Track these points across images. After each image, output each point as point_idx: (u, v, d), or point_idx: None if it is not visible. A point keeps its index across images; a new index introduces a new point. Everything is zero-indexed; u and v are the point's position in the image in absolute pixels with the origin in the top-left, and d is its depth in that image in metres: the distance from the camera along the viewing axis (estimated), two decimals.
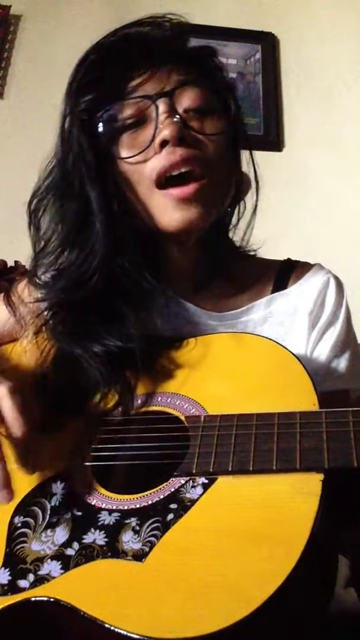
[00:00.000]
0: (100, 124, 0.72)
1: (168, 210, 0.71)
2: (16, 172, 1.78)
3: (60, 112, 0.74)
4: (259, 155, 0.84)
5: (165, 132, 0.69)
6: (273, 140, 1.98)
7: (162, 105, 0.70)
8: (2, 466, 0.59)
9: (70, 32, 1.97)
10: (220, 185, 0.75)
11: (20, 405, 0.62)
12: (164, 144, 0.70)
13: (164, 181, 0.71)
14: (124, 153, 0.72)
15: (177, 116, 0.70)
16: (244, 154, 0.82)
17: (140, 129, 0.72)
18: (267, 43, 2.10)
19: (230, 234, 0.85)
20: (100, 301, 0.73)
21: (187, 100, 0.72)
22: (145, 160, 0.71)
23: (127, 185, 0.73)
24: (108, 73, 0.72)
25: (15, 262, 1.49)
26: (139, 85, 0.71)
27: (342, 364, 0.78)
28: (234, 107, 0.76)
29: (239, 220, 0.83)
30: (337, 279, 0.84)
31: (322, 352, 0.78)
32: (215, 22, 1.98)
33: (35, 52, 1.98)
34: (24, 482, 0.63)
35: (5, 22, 1.98)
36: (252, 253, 0.87)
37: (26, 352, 0.76)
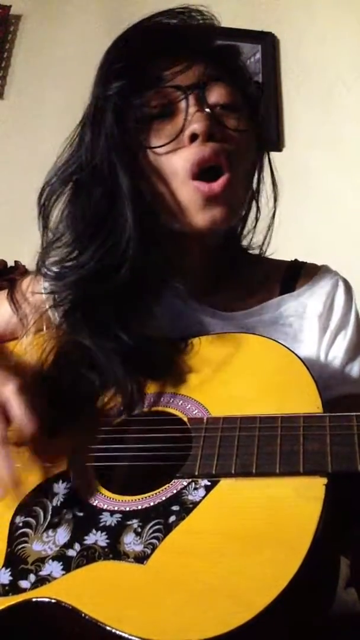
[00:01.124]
0: (131, 111, 0.71)
1: (197, 208, 0.71)
2: (16, 172, 1.78)
3: (90, 96, 0.73)
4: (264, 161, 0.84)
5: (196, 126, 0.69)
6: (273, 140, 1.97)
7: (192, 98, 0.70)
8: (10, 464, 0.59)
9: (70, 32, 1.96)
10: (243, 184, 0.75)
11: (30, 404, 0.62)
12: (194, 137, 0.70)
13: (198, 173, 0.70)
14: (153, 142, 0.71)
15: (208, 110, 0.70)
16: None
17: (170, 119, 0.71)
18: (267, 43, 2.10)
19: (247, 238, 0.85)
20: (118, 296, 0.72)
21: (216, 95, 0.72)
22: (174, 151, 0.71)
23: (157, 175, 0.72)
24: (140, 60, 0.71)
25: (15, 262, 1.49)
26: (171, 76, 0.71)
27: (355, 368, 0.78)
28: (261, 107, 0.77)
29: (255, 224, 0.83)
30: (345, 281, 0.84)
31: (336, 357, 0.78)
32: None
33: (35, 52, 1.98)
34: (26, 482, 0.63)
35: (5, 22, 1.97)
36: (263, 252, 0.87)
37: (28, 350, 0.76)
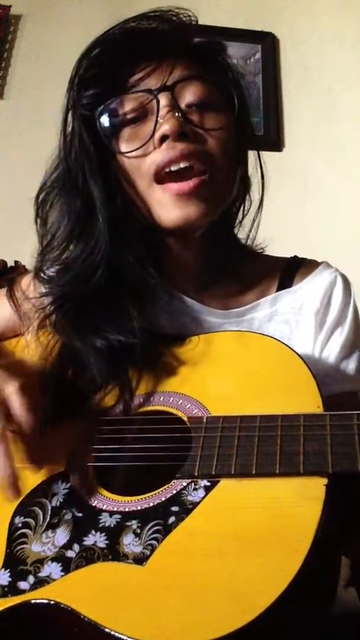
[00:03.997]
0: (102, 119, 0.72)
1: (166, 206, 0.71)
2: (16, 172, 1.78)
3: (62, 107, 0.73)
4: (254, 155, 0.83)
5: (166, 127, 0.69)
6: (273, 140, 1.97)
7: (163, 100, 0.69)
8: (11, 464, 0.59)
9: (70, 32, 1.96)
10: (222, 182, 0.74)
11: (30, 403, 0.62)
12: (164, 138, 0.69)
13: (163, 176, 0.70)
14: (123, 147, 0.71)
15: (178, 111, 0.69)
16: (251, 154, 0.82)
17: (141, 123, 0.71)
18: (267, 43, 2.10)
19: (236, 232, 0.84)
20: (104, 296, 0.72)
21: (189, 94, 0.71)
22: (145, 154, 0.71)
23: (127, 179, 0.73)
24: (110, 67, 0.71)
25: (15, 262, 1.49)
26: (140, 79, 0.71)
27: (351, 365, 0.78)
28: (239, 103, 0.75)
29: (243, 217, 0.82)
30: (344, 277, 0.83)
31: (331, 353, 0.78)
32: (215, 22, 1.97)
33: (35, 52, 1.98)
34: (25, 482, 0.63)
35: (5, 22, 1.97)
36: (259, 251, 0.86)
37: (29, 348, 0.76)
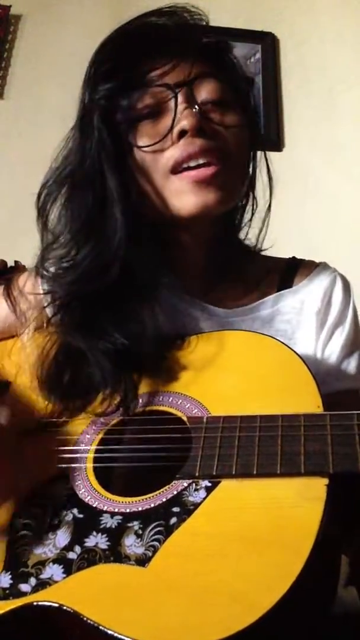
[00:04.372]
0: (119, 112, 0.72)
1: (185, 194, 0.71)
2: (16, 172, 1.78)
3: (79, 99, 0.74)
4: (258, 155, 0.83)
5: (184, 122, 0.69)
6: (273, 140, 1.97)
7: (181, 96, 0.70)
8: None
9: (70, 32, 1.96)
10: (236, 175, 0.74)
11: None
12: (182, 134, 0.70)
13: (180, 169, 0.70)
14: (141, 142, 0.71)
15: (196, 107, 0.70)
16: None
17: (159, 118, 0.71)
18: (267, 43, 2.10)
19: (244, 232, 0.84)
20: (112, 296, 0.72)
21: (205, 91, 0.72)
22: (163, 149, 0.71)
23: (143, 174, 0.72)
24: (127, 61, 0.71)
25: (15, 262, 1.48)
26: (159, 75, 0.71)
27: (352, 363, 0.78)
28: (251, 101, 0.76)
29: (251, 218, 0.82)
30: (343, 277, 0.84)
31: (333, 353, 0.78)
32: (215, 22, 1.96)
33: (35, 52, 1.98)
34: (25, 483, 0.63)
35: (5, 22, 1.97)
36: (260, 251, 0.86)
37: (25, 349, 0.76)
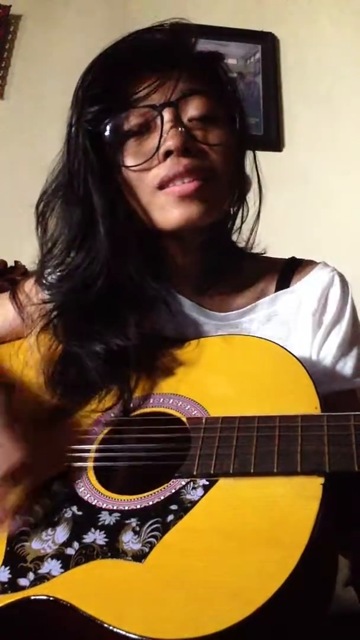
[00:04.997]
0: (106, 133, 0.73)
1: (168, 208, 0.72)
2: (16, 172, 1.78)
3: (67, 120, 0.74)
4: (258, 155, 0.84)
5: (170, 143, 0.70)
6: (273, 140, 1.97)
7: (167, 115, 0.70)
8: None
9: (70, 32, 1.97)
10: (222, 187, 0.75)
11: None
12: (168, 154, 0.70)
13: (166, 186, 0.71)
14: (128, 161, 0.72)
15: (182, 127, 0.70)
16: (247, 155, 0.82)
17: (145, 137, 0.72)
18: (267, 43, 2.10)
19: (235, 236, 0.85)
20: (104, 305, 0.73)
21: (192, 109, 0.72)
22: (149, 168, 0.72)
23: (130, 192, 0.74)
24: (114, 82, 0.72)
25: (16, 262, 1.49)
26: (145, 95, 0.71)
27: (349, 363, 0.78)
28: (240, 114, 0.76)
29: (242, 223, 0.83)
30: (341, 276, 0.84)
31: (329, 352, 0.78)
32: (215, 22, 1.97)
33: (35, 52, 1.98)
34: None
35: (5, 22, 1.98)
36: (257, 252, 0.87)
37: (32, 350, 0.77)
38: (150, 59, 0.72)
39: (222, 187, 0.75)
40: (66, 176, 0.74)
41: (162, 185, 0.71)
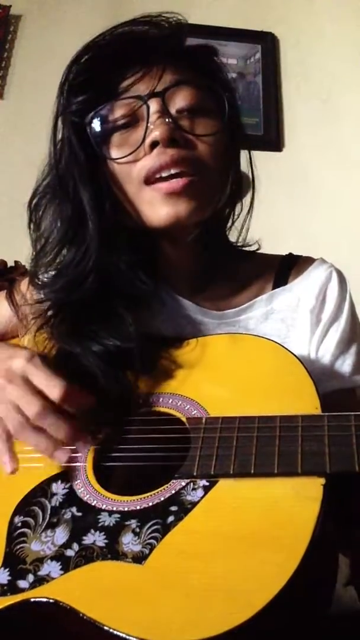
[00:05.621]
0: (92, 125, 0.72)
1: (156, 205, 0.71)
2: (16, 172, 1.78)
3: (52, 113, 0.74)
4: (258, 155, 0.83)
5: (156, 133, 0.69)
6: (273, 140, 1.97)
7: (153, 106, 0.69)
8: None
9: (70, 32, 1.96)
10: (213, 184, 0.74)
11: (48, 369, 0.63)
12: (154, 144, 0.69)
13: (153, 180, 0.70)
14: (114, 154, 0.72)
15: (168, 117, 0.69)
16: (243, 154, 0.82)
17: (132, 129, 0.71)
18: (267, 43, 2.09)
19: (231, 234, 0.84)
20: (98, 301, 0.73)
21: (180, 100, 0.71)
22: (136, 160, 0.71)
23: (117, 185, 0.73)
24: (99, 73, 0.71)
25: (15, 262, 1.49)
26: (131, 85, 0.70)
27: (348, 360, 0.78)
28: (230, 106, 0.74)
29: (234, 220, 0.82)
30: (339, 272, 0.83)
31: (328, 350, 0.78)
32: (215, 22, 1.97)
33: (35, 52, 1.98)
34: (24, 482, 0.63)
35: (5, 22, 1.98)
36: (253, 249, 0.86)
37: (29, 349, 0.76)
38: (135, 50, 0.71)
39: (212, 183, 0.73)
40: (54, 172, 0.74)
41: (148, 179, 0.70)
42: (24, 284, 0.82)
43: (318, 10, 2.18)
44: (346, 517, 0.61)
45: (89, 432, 0.65)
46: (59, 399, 0.62)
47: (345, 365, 0.77)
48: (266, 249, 0.88)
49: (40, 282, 0.77)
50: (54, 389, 0.63)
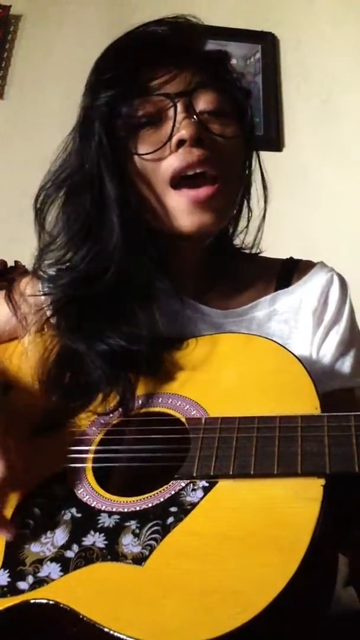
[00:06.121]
0: (119, 120, 0.72)
1: (181, 212, 0.72)
2: (16, 172, 1.78)
3: (80, 105, 0.74)
4: (253, 163, 0.84)
5: (183, 132, 0.70)
6: (273, 140, 1.97)
7: (180, 105, 0.71)
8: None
9: (70, 32, 1.96)
10: (233, 189, 0.76)
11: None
12: (181, 143, 0.70)
13: (179, 180, 0.71)
14: (140, 149, 0.72)
15: (195, 117, 0.71)
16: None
17: (158, 126, 0.72)
18: (267, 43, 2.09)
19: (240, 238, 0.85)
20: (108, 298, 0.73)
21: (204, 102, 0.73)
22: (161, 158, 0.72)
23: (143, 181, 0.73)
24: (130, 69, 0.72)
25: (15, 262, 1.49)
26: (160, 84, 0.72)
27: (347, 362, 0.78)
28: (249, 112, 0.77)
29: (248, 224, 0.83)
30: (340, 276, 0.84)
31: (328, 351, 0.78)
32: (215, 22, 1.97)
33: (35, 52, 1.98)
34: (24, 483, 0.63)
35: (5, 22, 1.98)
36: (254, 252, 0.87)
37: (28, 350, 0.76)
38: (165, 50, 0.73)
39: (233, 188, 0.76)
40: (76, 162, 0.74)
41: (174, 178, 0.71)
42: (22, 283, 0.82)
43: (318, 10, 2.18)
44: (346, 518, 0.61)
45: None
46: None
47: (345, 367, 0.78)
48: (266, 249, 0.88)
49: (46, 276, 0.77)
50: None
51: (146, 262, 0.74)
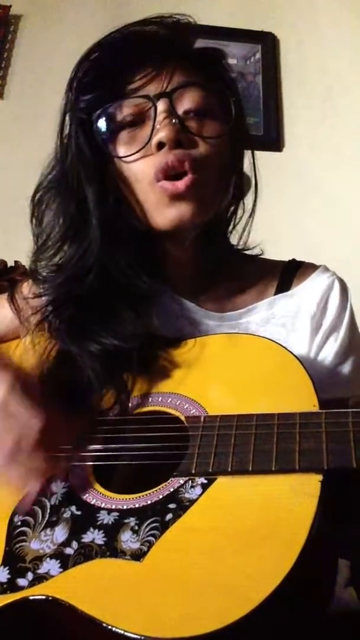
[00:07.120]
0: (99, 122, 0.72)
1: (161, 207, 0.71)
2: (16, 172, 1.78)
3: (60, 109, 0.74)
4: (258, 155, 0.83)
5: (162, 134, 0.69)
6: (273, 140, 1.98)
7: (161, 106, 0.70)
8: None
9: (70, 32, 1.97)
10: (214, 184, 0.74)
11: (29, 399, 0.62)
12: (160, 145, 0.70)
13: (158, 180, 0.71)
14: (121, 152, 0.72)
15: (175, 118, 0.70)
16: (246, 155, 0.82)
17: (139, 128, 0.72)
18: (267, 43, 2.10)
19: (234, 236, 0.85)
20: (98, 299, 0.73)
21: (187, 101, 0.72)
22: (143, 158, 0.71)
23: (124, 182, 0.73)
24: (109, 71, 0.72)
25: (15, 262, 1.49)
26: (139, 85, 0.71)
27: (344, 370, 0.78)
28: (236, 110, 0.75)
29: (237, 222, 0.82)
30: (341, 281, 0.83)
31: (326, 358, 0.78)
32: (215, 22, 1.97)
33: (35, 52, 1.98)
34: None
35: (5, 22, 1.98)
36: (255, 253, 0.86)
37: (28, 350, 0.77)
38: (145, 50, 0.71)
39: (214, 184, 0.74)
40: (59, 167, 0.74)
41: (158, 180, 0.71)
42: (25, 286, 0.83)
43: (318, 10, 2.18)
44: (344, 513, 0.61)
45: (67, 455, 0.64)
46: (37, 433, 0.62)
47: (342, 376, 0.77)
48: (266, 249, 0.88)
49: (41, 277, 0.77)
50: (31, 423, 0.62)
51: (126, 263, 0.74)
